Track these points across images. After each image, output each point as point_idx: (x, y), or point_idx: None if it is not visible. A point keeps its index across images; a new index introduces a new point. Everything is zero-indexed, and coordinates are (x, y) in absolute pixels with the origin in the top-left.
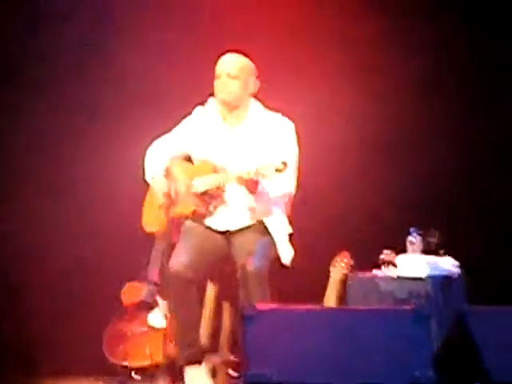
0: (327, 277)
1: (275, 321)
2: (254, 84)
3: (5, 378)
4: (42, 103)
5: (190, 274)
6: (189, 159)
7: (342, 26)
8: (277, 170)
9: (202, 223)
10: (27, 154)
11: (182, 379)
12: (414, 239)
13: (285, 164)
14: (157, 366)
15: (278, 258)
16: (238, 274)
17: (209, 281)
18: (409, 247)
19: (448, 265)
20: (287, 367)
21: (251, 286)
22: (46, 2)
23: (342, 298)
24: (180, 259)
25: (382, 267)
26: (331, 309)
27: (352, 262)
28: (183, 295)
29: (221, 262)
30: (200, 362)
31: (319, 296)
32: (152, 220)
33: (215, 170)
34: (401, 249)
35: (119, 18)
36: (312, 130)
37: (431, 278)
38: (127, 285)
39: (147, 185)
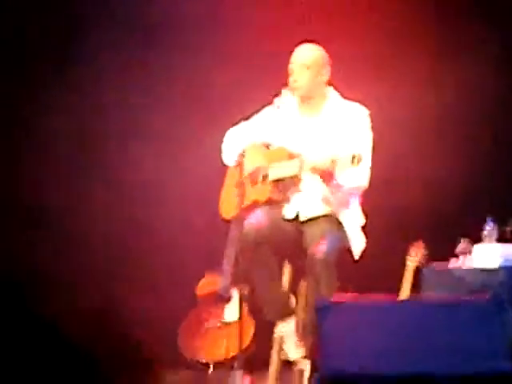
0: (402, 268)
1: (350, 313)
2: (325, 73)
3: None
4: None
5: (263, 237)
6: (266, 147)
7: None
8: (351, 162)
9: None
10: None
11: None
12: (489, 227)
13: (359, 156)
14: (233, 360)
15: (349, 250)
16: (306, 262)
17: (285, 261)
18: (485, 236)
19: None
20: (362, 359)
21: (319, 275)
22: None
23: (417, 288)
24: (254, 222)
25: (460, 257)
26: (406, 300)
27: (426, 252)
28: (260, 255)
29: (291, 246)
30: (291, 315)
31: (393, 287)
32: (229, 206)
33: (291, 157)
34: (477, 237)
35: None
36: (388, 119)
37: (505, 268)
38: (203, 279)
39: (225, 170)
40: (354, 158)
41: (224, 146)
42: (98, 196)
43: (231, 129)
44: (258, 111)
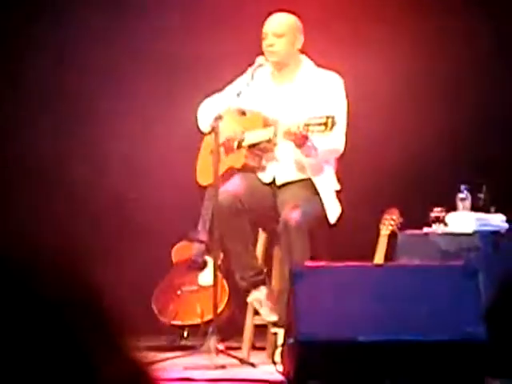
0: (377, 234)
1: (324, 278)
2: (299, 40)
3: None
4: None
5: (239, 204)
6: (242, 113)
7: None
8: (325, 124)
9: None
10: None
11: (246, 305)
12: (463, 196)
13: (333, 118)
14: (207, 324)
15: (325, 216)
16: (279, 228)
17: (260, 229)
18: (459, 204)
19: (497, 221)
20: (336, 325)
21: (292, 241)
22: None
23: (391, 254)
24: (230, 189)
25: (433, 225)
26: (379, 265)
27: (401, 219)
28: (235, 223)
29: (267, 212)
30: (264, 283)
31: (368, 253)
32: (206, 173)
33: (266, 123)
34: (451, 206)
35: None
36: (362, 86)
37: (480, 232)
38: (178, 244)
39: (201, 138)
40: (328, 119)
41: (199, 114)
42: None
43: (207, 99)
44: (231, 82)
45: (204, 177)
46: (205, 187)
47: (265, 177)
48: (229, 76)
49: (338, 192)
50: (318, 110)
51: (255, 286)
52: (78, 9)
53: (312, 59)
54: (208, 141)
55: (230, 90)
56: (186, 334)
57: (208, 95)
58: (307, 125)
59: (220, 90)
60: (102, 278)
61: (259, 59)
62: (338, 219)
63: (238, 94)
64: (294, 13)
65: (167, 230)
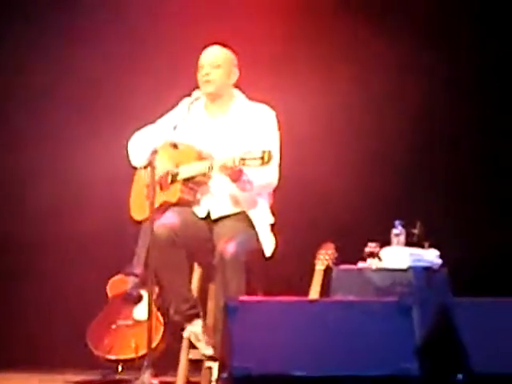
0: (312, 268)
1: (259, 313)
2: (234, 74)
3: None
4: None
5: (176, 237)
6: (174, 147)
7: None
8: (261, 158)
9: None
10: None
11: (181, 339)
12: (398, 231)
13: (269, 152)
14: (142, 359)
15: (260, 250)
16: (215, 261)
17: (195, 264)
18: (393, 239)
19: (431, 256)
20: (270, 360)
21: (227, 274)
22: None
23: (326, 289)
24: (166, 222)
25: (368, 260)
26: (314, 300)
27: (336, 254)
28: (171, 256)
29: (203, 245)
30: (199, 316)
31: (303, 287)
32: (140, 207)
33: (201, 157)
34: (385, 241)
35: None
36: (293, 120)
37: (413, 268)
38: (113, 278)
39: (133, 172)
40: (264, 153)
41: (131, 148)
42: None
43: (137, 132)
44: (162, 115)
45: (138, 211)
46: (139, 221)
47: (200, 211)
48: (156, 108)
49: (272, 225)
50: (252, 143)
51: (190, 319)
52: None
53: (243, 92)
54: (141, 175)
55: (163, 122)
56: (120, 368)
57: (137, 128)
58: (243, 159)
59: (151, 122)
60: (37, 301)
61: (196, 93)
62: (273, 252)
63: (175, 128)
64: (227, 46)
65: (100, 262)
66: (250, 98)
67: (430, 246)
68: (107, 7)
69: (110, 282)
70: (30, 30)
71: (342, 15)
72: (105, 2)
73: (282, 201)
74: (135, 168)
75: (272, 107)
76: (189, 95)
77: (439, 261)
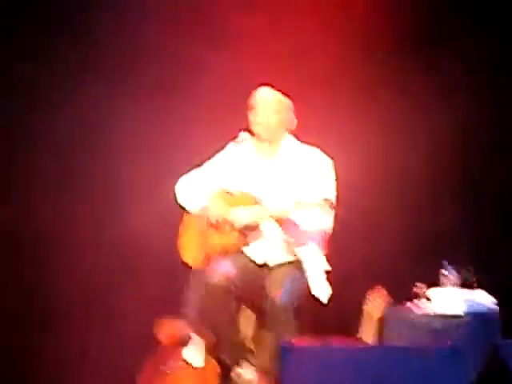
0: (359, 311)
1: (312, 356)
2: (292, 121)
3: None
4: None
5: (233, 287)
6: (230, 194)
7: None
8: (323, 208)
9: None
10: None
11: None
12: (446, 272)
13: (331, 202)
14: None
15: (313, 296)
16: (267, 307)
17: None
18: (443, 280)
19: (484, 300)
20: None
21: (278, 320)
22: None
23: (379, 334)
24: (222, 270)
25: (414, 300)
26: (368, 347)
27: (390, 299)
28: (226, 305)
29: (257, 292)
30: (248, 360)
31: (350, 329)
32: (193, 252)
33: (257, 203)
34: (432, 282)
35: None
36: (344, 166)
37: (470, 315)
38: (162, 320)
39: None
40: (319, 202)
41: (182, 191)
42: None
43: (183, 178)
44: (209, 158)
45: (191, 256)
46: (189, 265)
47: (257, 258)
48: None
49: (327, 273)
50: (306, 189)
51: (239, 362)
52: None
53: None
54: (192, 218)
55: (211, 166)
56: None
57: (183, 172)
58: (302, 206)
59: (198, 165)
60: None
61: (243, 134)
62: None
63: (222, 171)
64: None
65: (148, 308)
66: (303, 142)
67: (478, 287)
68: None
69: (160, 326)
70: None
71: None
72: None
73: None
74: (184, 209)
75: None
76: (234, 138)
77: (493, 305)
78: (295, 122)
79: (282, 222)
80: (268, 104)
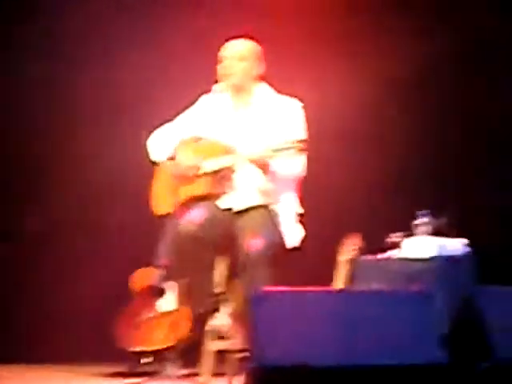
0: (335, 258)
1: (283, 304)
2: (260, 66)
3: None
4: None
5: (203, 234)
6: (197, 141)
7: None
8: (294, 148)
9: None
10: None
11: (203, 327)
12: (419, 222)
13: (302, 143)
14: (169, 350)
15: (284, 243)
16: (240, 256)
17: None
18: (415, 230)
19: (457, 245)
20: (296, 350)
21: (253, 269)
22: None
23: (349, 280)
24: (192, 218)
25: (389, 251)
26: (339, 291)
27: (361, 245)
28: (197, 252)
29: (228, 239)
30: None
31: (328, 278)
32: (163, 202)
33: (227, 151)
34: (410, 233)
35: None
36: (320, 114)
37: (437, 258)
38: (136, 271)
39: (153, 167)
40: (297, 143)
41: (152, 143)
42: None
43: (156, 130)
44: (183, 110)
45: (162, 205)
46: (162, 216)
47: (223, 203)
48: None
49: (300, 215)
50: (278, 135)
51: (213, 312)
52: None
53: (272, 86)
54: (163, 169)
55: (183, 119)
56: (147, 360)
57: (156, 127)
58: (276, 150)
59: (169, 120)
60: (61, 299)
61: (216, 86)
62: (302, 242)
63: (198, 122)
64: (252, 39)
65: (122, 255)
66: (279, 92)
67: (457, 235)
68: None
69: (135, 274)
70: None
71: None
72: None
73: (306, 194)
74: (154, 163)
75: (303, 101)
76: (207, 92)
77: (465, 248)
78: (263, 67)
79: (258, 167)
80: (234, 53)
